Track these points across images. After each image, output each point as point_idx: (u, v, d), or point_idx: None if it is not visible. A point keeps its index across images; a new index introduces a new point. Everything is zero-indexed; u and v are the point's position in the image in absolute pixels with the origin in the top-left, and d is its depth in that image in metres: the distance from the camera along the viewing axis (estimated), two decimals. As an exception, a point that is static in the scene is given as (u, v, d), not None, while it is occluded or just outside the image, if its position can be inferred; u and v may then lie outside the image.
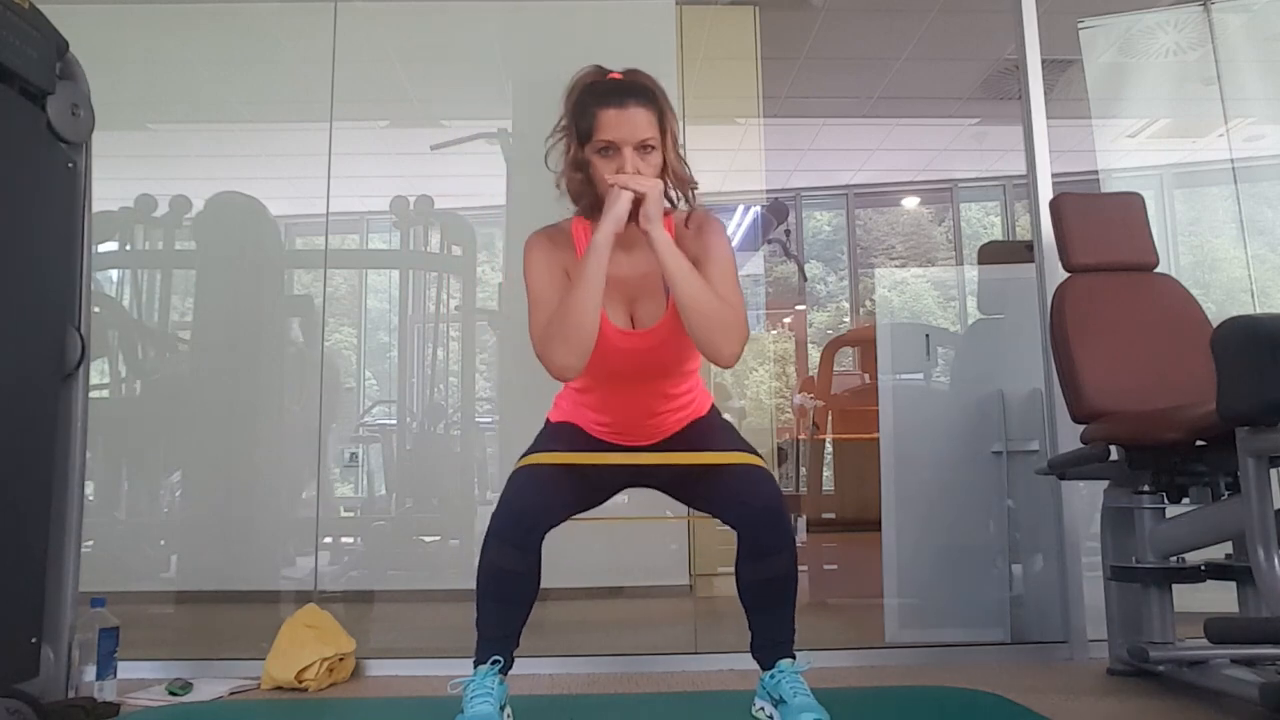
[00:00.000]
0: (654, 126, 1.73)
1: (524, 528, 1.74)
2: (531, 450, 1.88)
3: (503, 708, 1.78)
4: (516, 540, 1.74)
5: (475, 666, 1.78)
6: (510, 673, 1.81)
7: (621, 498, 2.09)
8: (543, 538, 1.76)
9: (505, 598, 1.77)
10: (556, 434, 1.94)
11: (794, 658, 1.84)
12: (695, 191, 1.81)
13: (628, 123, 1.71)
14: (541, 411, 2.02)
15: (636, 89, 1.75)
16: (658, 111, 1.75)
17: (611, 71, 1.80)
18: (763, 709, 1.87)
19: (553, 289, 1.75)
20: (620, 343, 1.79)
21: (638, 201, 1.69)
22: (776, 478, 4.73)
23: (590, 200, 1.78)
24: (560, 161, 1.80)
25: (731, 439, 1.93)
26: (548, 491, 1.78)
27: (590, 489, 1.90)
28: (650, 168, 1.73)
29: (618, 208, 1.69)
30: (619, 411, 1.90)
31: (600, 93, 1.75)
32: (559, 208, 1.89)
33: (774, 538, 1.79)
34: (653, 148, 1.73)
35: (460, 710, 1.73)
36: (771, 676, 1.83)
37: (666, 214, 1.80)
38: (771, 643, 1.86)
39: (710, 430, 1.94)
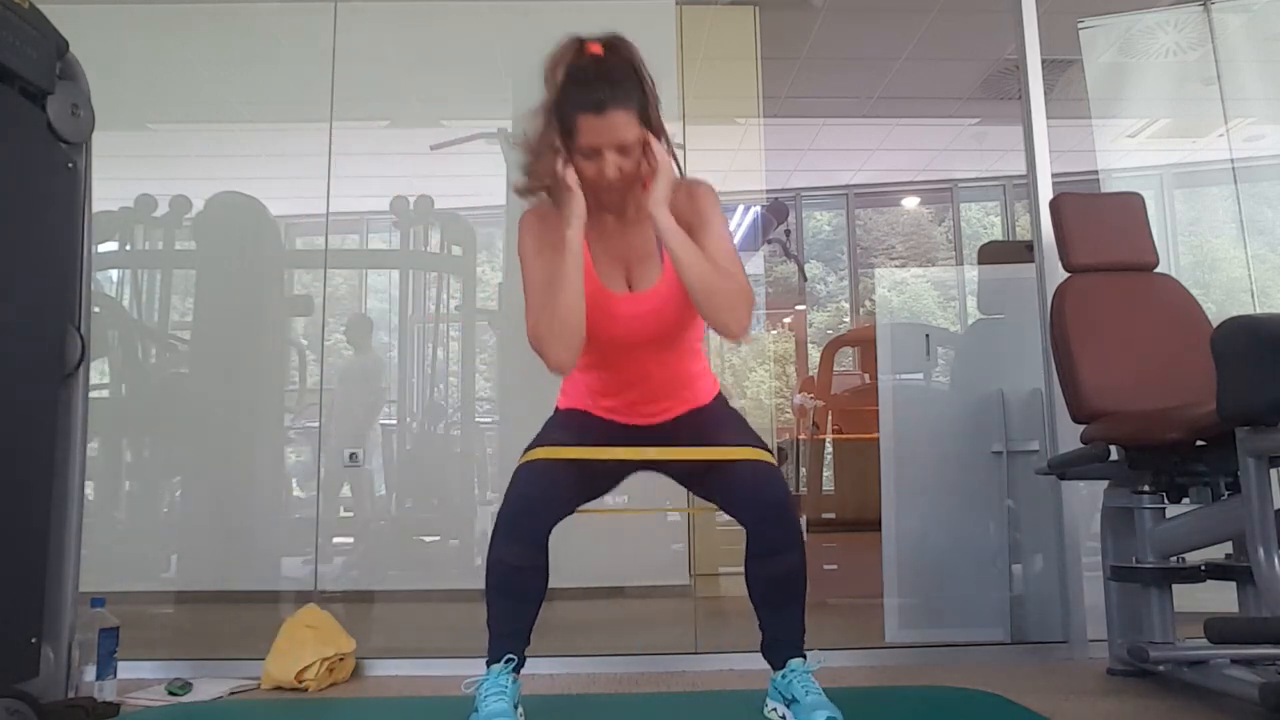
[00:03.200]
0: (633, 124, 1.70)
1: (528, 523, 1.75)
2: (537, 441, 1.86)
3: (516, 706, 1.77)
4: (521, 535, 1.75)
5: (488, 665, 1.78)
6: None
7: (623, 494, 2.08)
8: (548, 532, 1.76)
9: (514, 594, 1.78)
10: (562, 422, 1.93)
11: (804, 657, 1.85)
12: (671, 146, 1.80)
13: (607, 129, 1.69)
14: (542, 411, 2.01)
15: (616, 88, 1.69)
16: (638, 105, 1.71)
17: (589, 43, 1.76)
18: (775, 709, 1.86)
19: (544, 274, 1.75)
20: (618, 308, 1.79)
21: (608, 188, 1.70)
22: (776, 478, 4.76)
23: (540, 180, 1.78)
24: (534, 132, 1.76)
25: (740, 431, 1.89)
26: (551, 486, 1.78)
27: (595, 477, 1.89)
28: (631, 161, 1.72)
29: (574, 207, 1.70)
30: (623, 386, 1.88)
31: (579, 86, 1.70)
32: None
33: (783, 536, 1.79)
34: (631, 146, 1.71)
35: (474, 709, 1.73)
36: (783, 676, 1.84)
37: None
38: (782, 642, 1.86)
39: (717, 420, 1.92)
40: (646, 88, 1.74)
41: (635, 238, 1.80)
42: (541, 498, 1.76)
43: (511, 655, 1.77)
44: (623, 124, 1.69)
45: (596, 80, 1.70)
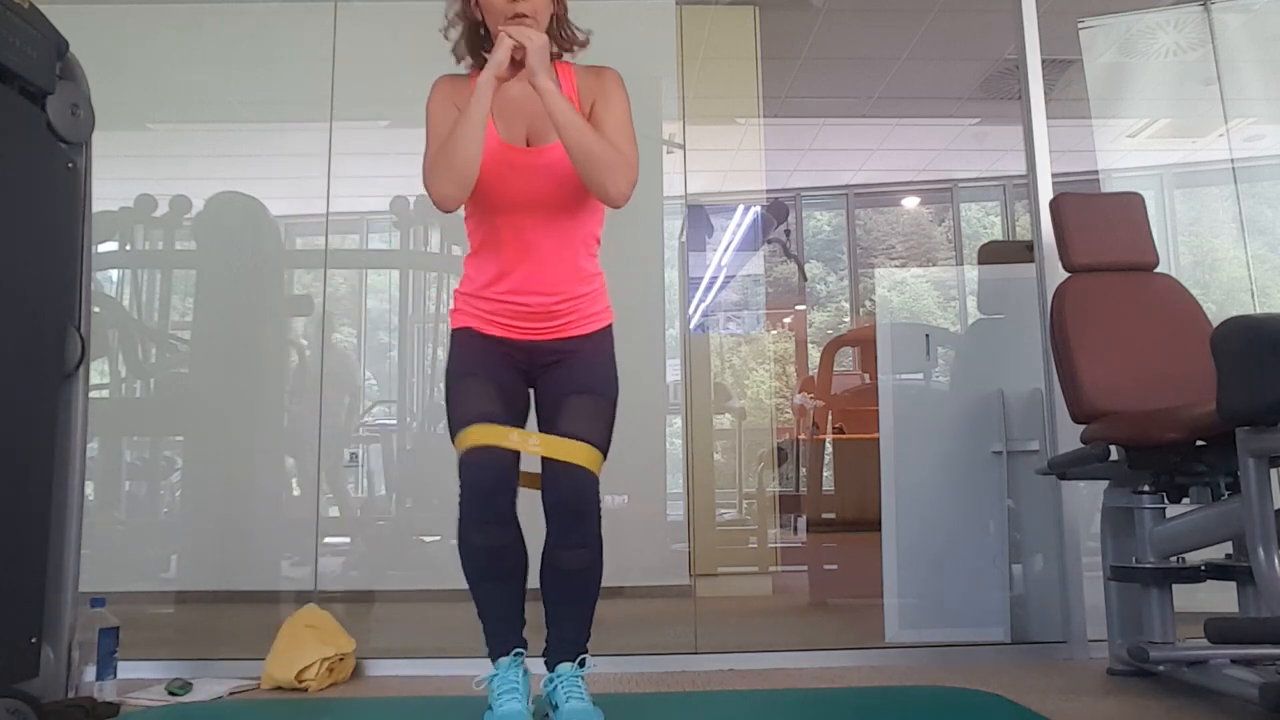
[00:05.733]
0: None
1: (492, 500, 1.73)
2: (457, 409, 1.80)
3: (529, 700, 1.76)
4: (489, 515, 1.73)
5: (494, 660, 1.77)
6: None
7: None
8: (514, 504, 1.76)
9: (498, 574, 1.77)
10: (463, 362, 1.87)
11: (578, 662, 1.81)
12: (580, 48, 1.92)
13: None
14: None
15: None
16: None
17: None
18: (548, 717, 1.81)
19: (445, 127, 1.79)
20: (514, 159, 1.81)
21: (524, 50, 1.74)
22: (776, 478, 4.76)
23: (473, 52, 1.88)
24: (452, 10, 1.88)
25: (593, 416, 1.82)
26: (495, 459, 1.73)
27: (516, 415, 1.86)
28: (539, 23, 1.79)
29: (499, 54, 1.74)
30: (513, 263, 1.84)
31: None
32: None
33: (580, 531, 1.77)
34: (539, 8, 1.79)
35: (488, 707, 1.72)
36: (550, 682, 1.80)
37: (562, 62, 1.90)
38: (557, 641, 1.83)
39: (588, 378, 1.86)
40: None
41: (540, 100, 1.79)
42: (492, 474, 1.73)
43: (520, 649, 1.77)
44: None
45: None
